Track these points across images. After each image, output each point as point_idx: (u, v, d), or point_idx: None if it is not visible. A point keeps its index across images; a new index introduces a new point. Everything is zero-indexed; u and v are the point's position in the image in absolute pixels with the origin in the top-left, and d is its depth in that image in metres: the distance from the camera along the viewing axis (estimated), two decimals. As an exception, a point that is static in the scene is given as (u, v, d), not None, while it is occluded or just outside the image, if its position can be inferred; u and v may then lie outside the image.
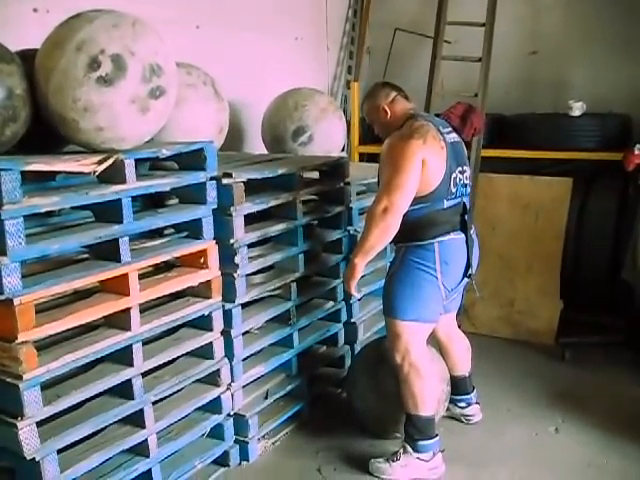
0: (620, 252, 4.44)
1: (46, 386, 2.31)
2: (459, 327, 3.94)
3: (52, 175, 2.49)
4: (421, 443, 3.09)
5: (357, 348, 3.88)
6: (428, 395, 3.10)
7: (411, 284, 3.05)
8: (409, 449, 3.10)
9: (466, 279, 3.23)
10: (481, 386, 3.72)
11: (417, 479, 3.09)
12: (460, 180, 3.10)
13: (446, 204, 3.04)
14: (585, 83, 5.18)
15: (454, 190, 3.06)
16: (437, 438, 3.13)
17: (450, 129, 3.20)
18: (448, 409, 3.57)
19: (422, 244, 3.02)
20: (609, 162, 4.51)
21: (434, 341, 3.50)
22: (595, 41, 5.15)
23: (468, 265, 3.16)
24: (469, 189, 3.24)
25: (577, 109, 4.80)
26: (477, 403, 3.60)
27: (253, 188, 3.17)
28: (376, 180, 3.22)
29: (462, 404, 3.59)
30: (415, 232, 3.02)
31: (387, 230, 2.94)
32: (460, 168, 3.11)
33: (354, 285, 3.09)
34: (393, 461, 3.11)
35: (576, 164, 4.83)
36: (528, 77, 5.43)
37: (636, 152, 4.13)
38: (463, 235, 3.10)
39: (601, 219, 4.70)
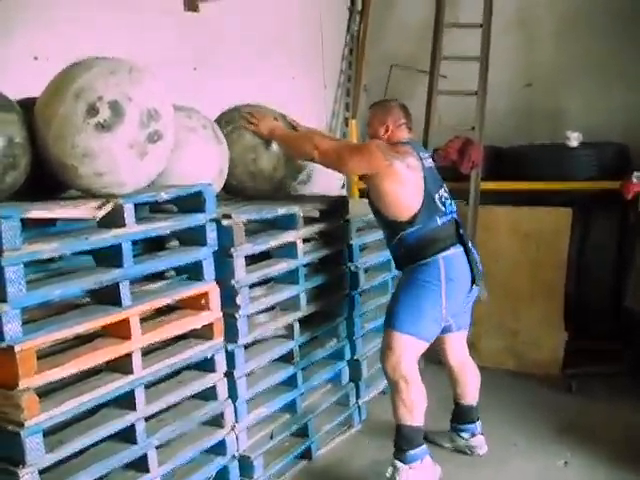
0: (622, 280, 4.43)
1: (48, 432, 2.29)
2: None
3: (52, 221, 2.51)
4: (410, 453, 3.18)
5: (361, 385, 3.87)
6: (416, 405, 3.20)
7: (414, 298, 3.17)
8: (399, 464, 3.18)
9: (475, 290, 3.32)
10: (487, 420, 3.69)
11: None
12: (446, 199, 3.28)
13: (439, 221, 3.20)
14: (581, 113, 5.21)
15: (443, 209, 3.22)
16: (424, 446, 3.24)
17: (428, 155, 3.39)
18: (453, 441, 3.56)
19: (427, 261, 3.14)
20: (608, 191, 4.52)
21: (446, 368, 3.57)
22: (590, 71, 5.19)
23: (473, 278, 3.25)
24: (455, 207, 3.36)
25: (574, 139, 4.81)
26: (481, 434, 3.59)
27: (253, 228, 3.19)
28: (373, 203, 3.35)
29: (466, 435, 3.58)
30: (419, 252, 3.17)
31: (298, 153, 3.42)
32: (442, 189, 3.29)
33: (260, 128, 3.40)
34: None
35: (575, 194, 4.85)
36: (524, 109, 5.46)
37: (634, 181, 4.15)
38: (462, 249, 3.22)
39: (602, 248, 4.72)
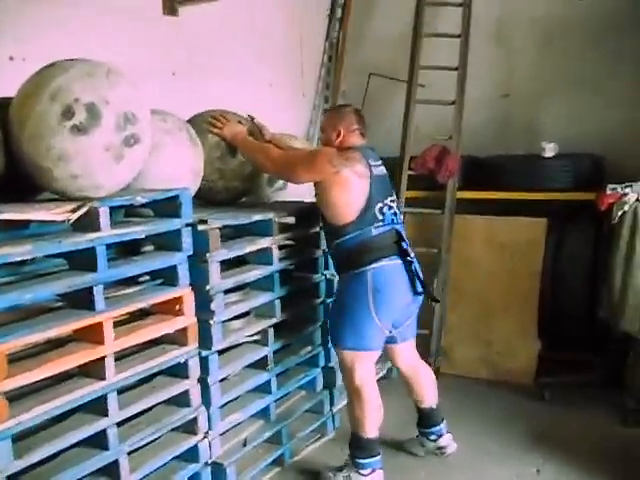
0: (596, 290, 4.46)
1: (17, 438, 2.26)
2: (438, 369, 3.94)
3: (25, 223, 2.48)
4: (360, 461, 3.30)
5: (335, 393, 3.86)
6: (368, 419, 3.28)
7: (346, 314, 3.25)
8: (350, 464, 3.33)
9: (418, 299, 3.35)
10: (461, 428, 3.71)
11: None
12: (390, 209, 3.28)
13: (374, 232, 3.20)
14: (557, 124, 5.26)
15: (381, 218, 3.22)
16: (378, 457, 3.32)
17: (380, 162, 3.36)
18: (423, 445, 3.59)
19: (356, 272, 3.19)
20: (583, 202, 4.56)
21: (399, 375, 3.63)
22: (566, 83, 5.24)
23: (414, 289, 3.27)
24: (400, 218, 3.40)
25: (550, 150, 4.86)
26: (448, 432, 3.63)
27: (229, 234, 3.18)
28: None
29: (433, 437, 3.60)
30: (350, 260, 3.22)
31: (252, 162, 3.43)
32: (388, 199, 3.29)
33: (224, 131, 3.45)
34: (339, 471, 3.36)
35: (551, 204, 4.88)
36: (502, 119, 5.50)
37: (609, 192, 4.18)
38: (400, 261, 3.22)
39: (577, 258, 4.74)
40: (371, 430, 3.29)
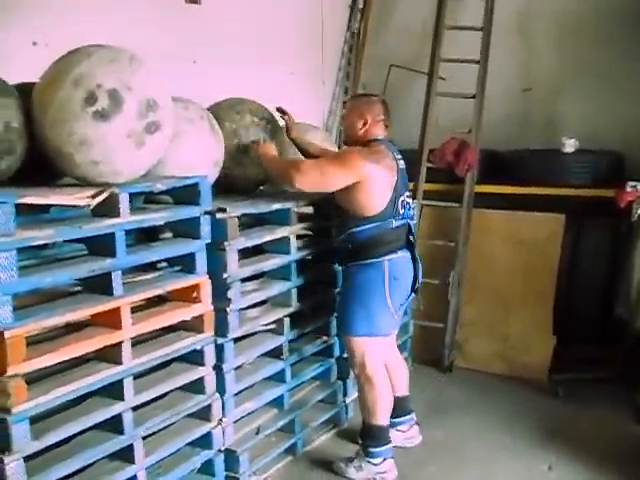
0: (613, 287, 4.44)
1: (35, 420, 2.28)
2: (452, 362, 3.93)
3: (46, 208, 2.49)
4: (372, 449, 3.34)
5: (349, 383, 3.87)
6: (380, 406, 3.33)
7: (361, 302, 3.23)
8: (362, 453, 3.37)
9: (412, 296, 3.42)
10: (474, 422, 3.71)
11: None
12: (407, 204, 3.31)
13: (394, 224, 3.23)
14: (578, 120, 5.22)
15: (402, 212, 3.25)
16: (390, 446, 3.37)
17: (400, 156, 3.37)
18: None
19: (373, 262, 3.20)
20: (602, 199, 4.54)
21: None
22: (588, 79, 5.21)
23: (415, 282, 3.34)
24: (413, 212, 3.44)
25: (570, 146, 4.83)
26: (417, 423, 3.69)
27: (247, 222, 3.18)
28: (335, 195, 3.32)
29: (404, 427, 3.66)
30: (367, 250, 3.22)
31: (282, 179, 3.21)
32: (406, 193, 3.33)
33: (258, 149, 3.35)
34: (350, 461, 3.39)
35: (569, 200, 4.86)
36: (522, 114, 5.47)
37: (628, 189, 4.16)
38: (409, 253, 3.28)
39: (594, 255, 4.72)
40: (383, 417, 3.33)
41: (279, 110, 3.68)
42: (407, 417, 3.67)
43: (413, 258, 3.32)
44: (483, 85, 4.96)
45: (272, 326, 3.36)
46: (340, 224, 3.39)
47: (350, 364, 3.43)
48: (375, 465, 3.33)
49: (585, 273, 4.74)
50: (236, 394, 3.13)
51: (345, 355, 3.82)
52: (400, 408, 3.64)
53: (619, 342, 4.46)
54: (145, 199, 2.88)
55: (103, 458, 2.53)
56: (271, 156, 3.32)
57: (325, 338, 3.73)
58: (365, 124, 3.31)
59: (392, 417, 3.61)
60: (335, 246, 3.52)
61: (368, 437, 3.37)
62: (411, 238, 3.31)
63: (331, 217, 3.63)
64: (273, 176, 3.36)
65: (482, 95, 4.95)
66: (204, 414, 2.95)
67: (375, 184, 3.15)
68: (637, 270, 4.02)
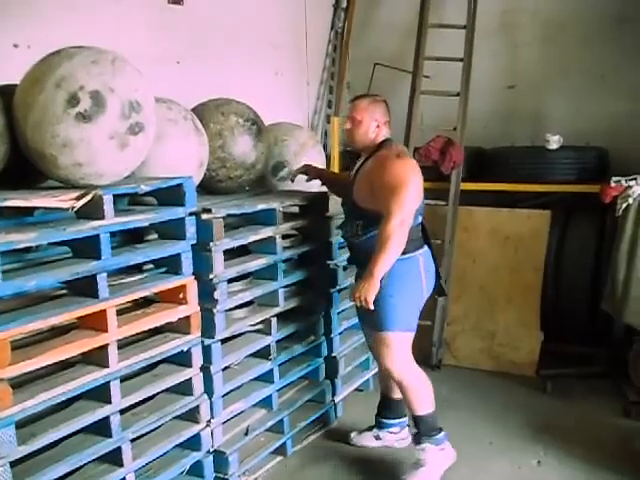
0: (599, 283, 4.46)
1: (21, 425, 2.27)
2: (440, 360, 3.93)
3: (30, 211, 2.48)
4: (438, 437, 3.30)
5: (338, 382, 3.87)
6: (427, 392, 3.32)
7: (401, 296, 3.17)
8: (430, 446, 3.29)
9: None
10: (463, 419, 3.72)
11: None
12: None
13: (419, 219, 3.25)
14: (562, 116, 5.25)
15: (424, 207, 3.28)
16: (443, 430, 3.35)
17: None
18: (378, 438, 3.64)
19: (409, 257, 3.15)
20: (587, 194, 4.56)
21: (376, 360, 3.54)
22: (572, 75, 5.23)
23: (437, 274, 3.37)
24: None
25: (554, 142, 4.85)
26: (408, 425, 3.66)
27: (233, 223, 3.18)
28: (359, 197, 3.24)
29: (396, 429, 3.64)
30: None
31: (403, 242, 3.01)
32: None
33: (373, 298, 3.03)
34: (422, 466, 3.28)
35: (554, 197, 4.88)
36: (507, 111, 5.49)
37: (613, 185, 4.18)
38: (429, 248, 3.32)
39: (580, 251, 4.73)
40: (430, 403, 3.32)
41: (304, 173, 3.70)
42: (400, 420, 3.64)
43: (432, 253, 3.34)
44: (467, 83, 4.97)
45: (259, 326, 3.35)
46: (366, 223, 3.19)
47: (382, 362, 3.30)
48: (442, 450, 3.31)
49: (571, 269, 4.75)
50: (224, 395, 3.12)
51: (333, 354, 3.83)
52: (394, 411, 3.63)
53: (606, 337, 4.48)
54: (129, 201, 2.87)
55: (91, 462, 2.52)
56: (378, 267, 2.99)
57: (313, 338, 3.73)
58: (378, 126, 3.26)
59: (385, 418, 3.63)
60: (355, 247, 3.35)
61: (429, 427, 3.30)
62: (427, 232, 3.35)
63: (317, 216, 3.63)
64: (395, 255, 3.03)
65: (467, 93, 4.96)
66: (192, 416, 2.94)
67: (420, 186, 3.15)
68: (622, 265, 4.04)
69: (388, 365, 3.26)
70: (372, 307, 3.05)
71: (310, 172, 3.71)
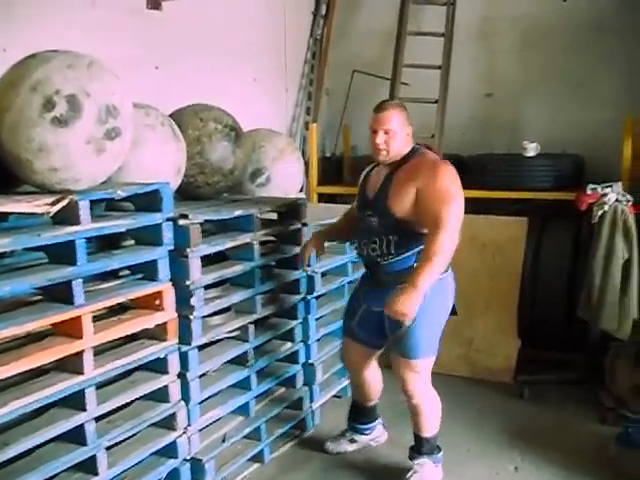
0: (575, 290, 4.49)
1: (-6, 433, 2.25)
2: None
3: (4, 216, 2.46)
4: (438, 455, 3.33)
5: (315, 389, 3.86)
6: (437, 417, 3.31)
7: (434, 321, 3.12)
8: (428, 461, 3.30)
9: None
10: (441, 426, 3.71)
11: None
12: None
13: None
14: (540, 124, 5.31)
15: None
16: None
17: None
18: (354, 441, 3.64)
19: (444, 276, 3.08)
20: (563, 202, 4.60)
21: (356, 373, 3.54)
22: (550, 83, 5.29)
23: None
24: None
25: (531, 150, 4.89)
26: (381, 424, 3.69)
27: (210, 229, 3.16)
28: (398, 206, 3.05)
29: (368, 431, 3.65)
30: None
31: (450, 256, 2.95)
32: None
33: (414, 312, 2.86)
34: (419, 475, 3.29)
35: (531, 204, 4.92)
36: (484, 118, 5.54)
37: (588, 192, 4.21)
38: None
39: (556, 258, 4.76)
40: (439, 424, 3.33)
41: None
42: (374, 423, 3.66)
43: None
44: (446, 90, 5.01)
45: (236, 333, 3.34)
46: (401, 240, 3.05)
47: (407, 387, 3.18)
48: (437, 469, 3.34)
49: (548, 276, 4.77)
50: (201, 402, 3.10)
51: (311, 361, 3.82)
52: (368, 416, 3.63)
53: (582, 344, 4.51)
54: (106, 206, 2.85)
55: (66, 470, 2.50)
56: (422, 282, 2.83)
57: (290, 344, 3.71)
58: (408, 135, 3.11)
59: (360, 424, 3.62)
60: (382, 267, 3.13)
61: (433, 447, 3.32)
62: None
63: (295, 223, 3.63)
64: (443, 266, 2.99)
65: (445, 100, 5.00)
66: (169, 423, 2.92)
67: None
68: (597, 272, 4.07)
69: (411, 389, 3.19)
70: (409, 323, 2.89)
71: (318, 246, 3.48)
